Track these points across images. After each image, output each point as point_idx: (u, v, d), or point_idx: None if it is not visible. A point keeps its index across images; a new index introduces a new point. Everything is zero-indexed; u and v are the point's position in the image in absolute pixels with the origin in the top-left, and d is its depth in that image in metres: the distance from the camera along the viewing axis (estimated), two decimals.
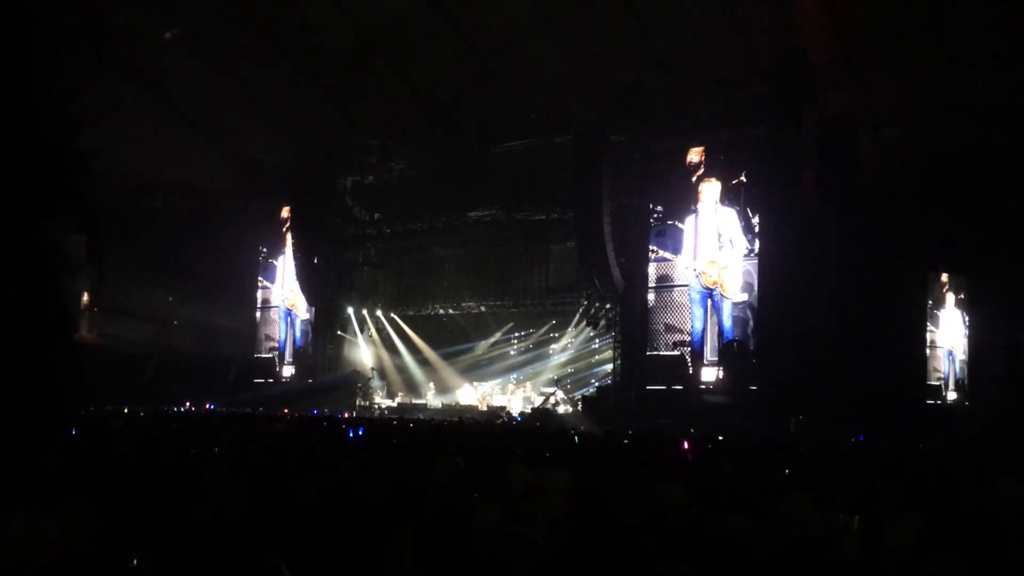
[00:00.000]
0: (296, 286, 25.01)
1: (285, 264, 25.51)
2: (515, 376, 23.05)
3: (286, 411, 19.42)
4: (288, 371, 25.52)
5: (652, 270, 19.29)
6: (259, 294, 26.18)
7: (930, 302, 18.70)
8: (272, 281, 26.03)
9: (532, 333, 23.49)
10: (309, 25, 21.59)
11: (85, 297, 23.25)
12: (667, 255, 19.08)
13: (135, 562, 3.17)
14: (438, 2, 20.38)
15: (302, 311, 25.32)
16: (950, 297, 19.20)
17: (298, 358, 25.37)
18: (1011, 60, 16.69)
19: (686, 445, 10.89)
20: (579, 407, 20.22)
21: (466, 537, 3.87)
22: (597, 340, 21.41)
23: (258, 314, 26.20)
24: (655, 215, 19.35)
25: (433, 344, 24.65)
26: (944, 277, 19.08)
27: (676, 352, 18.91)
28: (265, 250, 26.08)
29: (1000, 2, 16.42)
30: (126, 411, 14.79)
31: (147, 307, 24.92)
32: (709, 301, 18.56)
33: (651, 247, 19.27)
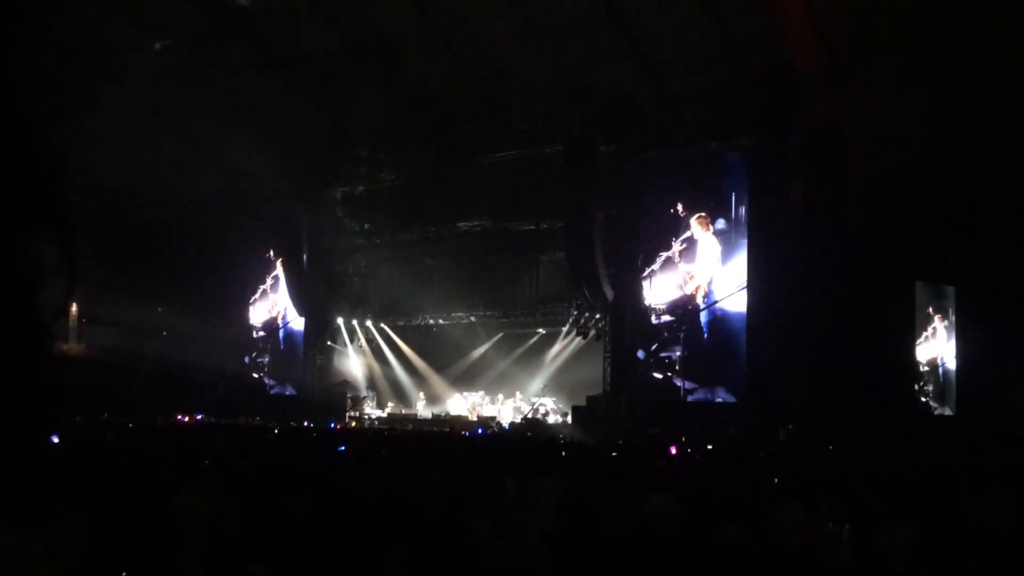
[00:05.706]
0: (286, 297, 24.94)
1: (274, 275, 25.44)
2: (505, 386, 23.01)
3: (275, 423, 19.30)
4: (278, 382, 25.41)
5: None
6: (248, 304, 26.08)
7: (918, 312, 18.78)
8: (261, 291, 25.95)
9: (522, 343, 23.48)
10: (298, 35, 21.60)
11: (74, 309, 23.12)
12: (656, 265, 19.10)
13: None
14: (427, 13, 20.42)
15: (292, 322, 25.24)
16: (938, 307, 19.29)
17: (288, 369, 25.28)
18: (997, 70, 16.83)
19: (674, 450, 10.95)
20: (569, 417, 20.20)
21: (461, 551, 3.87)
22: (587, 350, 21.38)
23: (247, 324, 26.08)
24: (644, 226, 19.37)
25: (423, 354, 24.63)
26: (932, 287, 19.17)
27: (666, 362, 18.91)
28: (254, 261, 26.00)
29: (986, 12, 16.56)
30: (129, 424, 14.64)
31: (135, 318, 24.76)
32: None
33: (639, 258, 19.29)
